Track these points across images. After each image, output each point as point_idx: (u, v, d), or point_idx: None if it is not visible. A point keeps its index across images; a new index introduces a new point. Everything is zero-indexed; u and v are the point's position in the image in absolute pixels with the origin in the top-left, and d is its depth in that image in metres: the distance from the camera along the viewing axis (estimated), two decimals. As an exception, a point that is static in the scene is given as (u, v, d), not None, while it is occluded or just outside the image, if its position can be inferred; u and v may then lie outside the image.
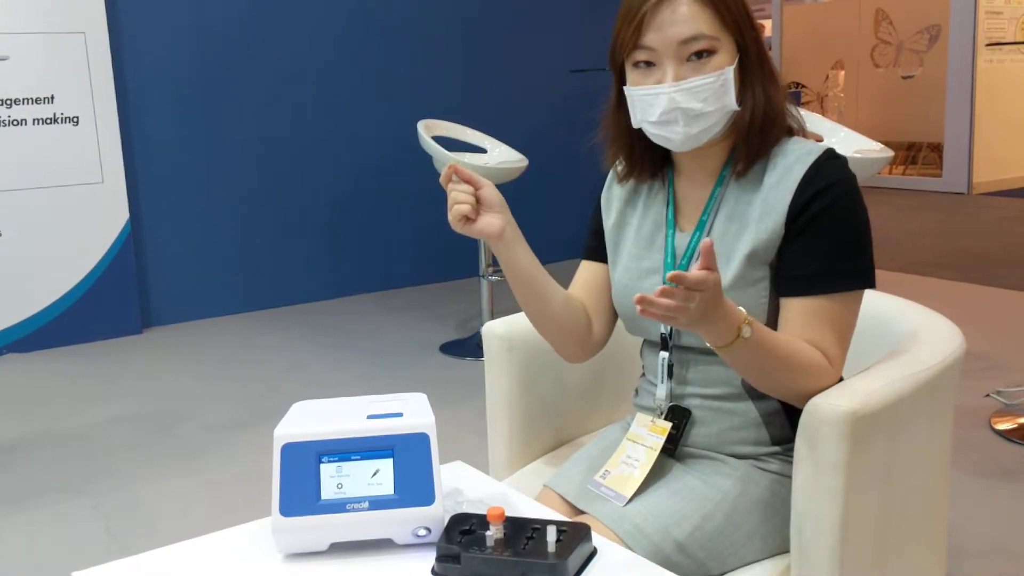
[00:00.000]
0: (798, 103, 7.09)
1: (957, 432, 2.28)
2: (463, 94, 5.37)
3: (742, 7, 1.27)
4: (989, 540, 2.32)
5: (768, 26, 10.69)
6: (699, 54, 1.24)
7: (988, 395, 3.21)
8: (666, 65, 1.25)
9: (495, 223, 1.29)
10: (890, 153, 2.90)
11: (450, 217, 1.27)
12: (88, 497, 2.76)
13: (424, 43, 5.25)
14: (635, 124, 1.32)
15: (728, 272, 1.29)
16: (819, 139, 2.93)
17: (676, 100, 1.24)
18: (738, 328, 1.14)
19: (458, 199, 1.26)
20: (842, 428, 1.17)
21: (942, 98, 8.48)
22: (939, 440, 1.40)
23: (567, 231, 5.40)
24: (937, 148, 8.90)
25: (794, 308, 1.27)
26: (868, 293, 1.59)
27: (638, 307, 1.06)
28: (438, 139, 3.91)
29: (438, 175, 4.40)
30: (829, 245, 1.25)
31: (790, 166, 1.28)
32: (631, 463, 1.35)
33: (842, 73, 9.93)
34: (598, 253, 1.49)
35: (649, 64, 1.27)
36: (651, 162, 1.39)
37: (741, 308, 1.16)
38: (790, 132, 1.34)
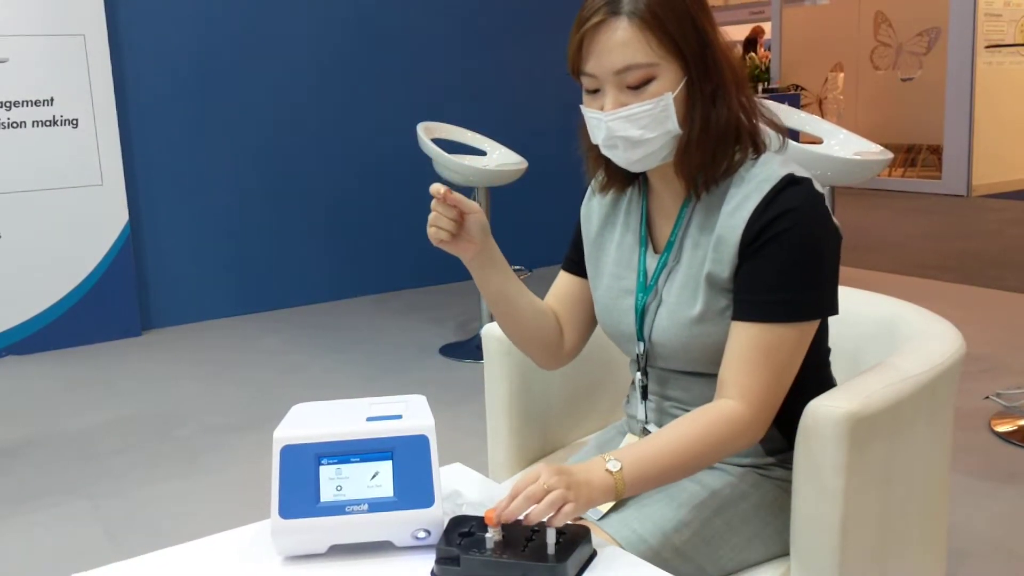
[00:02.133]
0: (797, 106, 7.08)
1: (957, 434, 2.26)
2: (463, 96, 5.37)
3: (689, 25, 1.20)
4: (989, 542, 2.31)
5: (768, 28, 10.71)
6: (636, 84, 1.21)
7: (988, 397, 3.21)
8: (607, 92, 1.22)
9: (468, 249, 1.31)
10: (889, 155, 2.90)
11: (428, 233, 1.29)
12: (87, 499, 2.76)
13: (424, 45, 5.25)
14: (593, 140, 1.30)
15: (696, 302, 1.27)
16: (818, 141, 2.93)
17: (614, 129, 1.22)
18: (606, 471, 1.13)
19: (439, 223, 1.27)
20: (842, 430, 1.17)
21: (941, 100, 8.48)
22: (939, 442, 1.40)
23: (566, 233, 5.39)
24: (936, 150, 8.90)
25: (736, 332, 1.24)
26: (868, 295, 1.59)
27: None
28: (437, 141, 3.92)
29: (438, 177, 4.38)
30: (776, 273, 1.21)
31: (748, 194, 1.23)
32: None
33: (841, 75, 9.94)
34: (576, 266, 1.48)
35: (595, 90, 1.25)
36: (625, 174, 1.37)
37: (580, 466, 1.14)
38: (757, 149, 1.27)
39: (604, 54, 1.20)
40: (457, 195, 1.26)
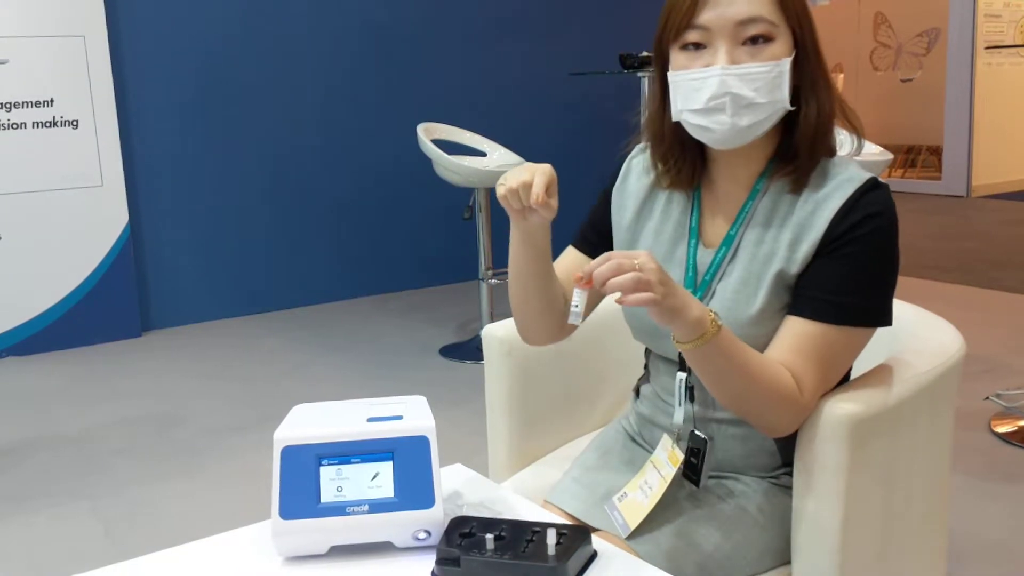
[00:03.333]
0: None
1: (957, 435, 2.26)
2: (463, 97, 5.37)
3: (803, 5, 1.19)
4: (989, 543, 2.31)
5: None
6: (755, 39, 1.16)
7: (988, 398, 3.21)
8: (719, 46, 1.16)
9: (520, 225, 1.22)
10: (889, 156, 2.90)
11: (498, 191, 1.17)
12: (87, 500, 2.76)
13: (425, 47, 5.25)
14: (675, 115, 1.22)
15: (756, 300, 1.22)
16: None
17: (728, 84, 1.15)
18: (710, 319, 1.09)
19: (512, 200, 1.16)
20: (843, 431, 1.17)
21: (941, 101, 8.48)
22: (939, 443, 1.39)
23: (567, 234, 5.39)
24: (936, 151, 8.91)
25: (789, 325, 1.20)
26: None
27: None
28: (437, 142, 3.92)
29: (439, 178, 4.35)
30: (847, 275, 1.18)
31: (828, 194, 1.20)
32: (646, 490, 1.30)
33: (841, 76, 9.94)
34: (591, 246, 1.42)
35: (699, 46, 1.18)
36: (690, 170, 1.30)
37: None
38: (830, 152, 1.25)
39: (725, 5, 1.15)
40: (553, 204, 1.15)
